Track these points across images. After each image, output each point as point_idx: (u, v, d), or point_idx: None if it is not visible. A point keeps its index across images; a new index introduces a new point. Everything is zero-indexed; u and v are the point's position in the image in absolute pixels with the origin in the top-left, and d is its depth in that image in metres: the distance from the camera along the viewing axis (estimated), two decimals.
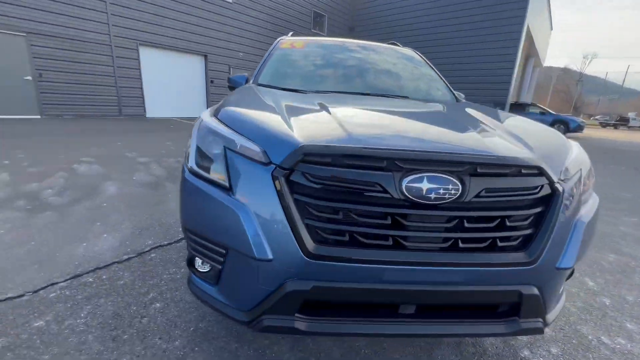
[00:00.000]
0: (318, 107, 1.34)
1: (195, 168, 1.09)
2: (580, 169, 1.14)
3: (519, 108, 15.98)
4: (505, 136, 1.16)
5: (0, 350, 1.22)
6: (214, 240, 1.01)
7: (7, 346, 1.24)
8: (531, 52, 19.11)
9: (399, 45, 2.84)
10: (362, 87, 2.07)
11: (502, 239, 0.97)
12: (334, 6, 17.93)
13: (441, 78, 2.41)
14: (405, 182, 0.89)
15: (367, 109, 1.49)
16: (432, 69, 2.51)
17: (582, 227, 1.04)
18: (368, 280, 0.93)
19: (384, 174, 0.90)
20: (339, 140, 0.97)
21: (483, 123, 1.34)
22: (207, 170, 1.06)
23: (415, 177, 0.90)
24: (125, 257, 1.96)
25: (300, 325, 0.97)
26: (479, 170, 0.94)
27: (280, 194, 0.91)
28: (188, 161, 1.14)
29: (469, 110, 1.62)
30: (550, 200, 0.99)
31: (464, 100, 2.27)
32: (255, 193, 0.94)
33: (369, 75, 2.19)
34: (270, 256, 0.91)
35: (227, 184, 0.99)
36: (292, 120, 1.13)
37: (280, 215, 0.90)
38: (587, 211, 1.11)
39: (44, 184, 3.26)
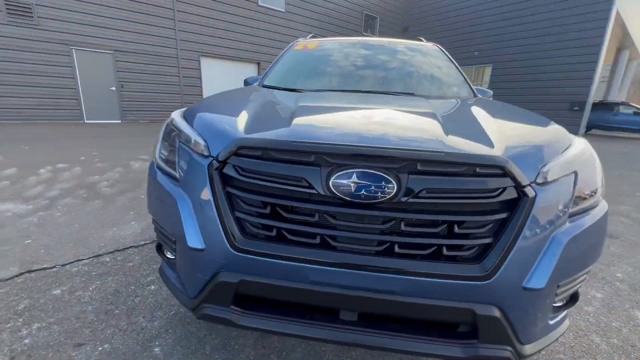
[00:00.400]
0: (291, 105, 1.32)
1: (158, 160, 1.18)
2: (575, 172, 0.94)
3: (604, 108, 13.67)
4: (478, 133, 1.00)
5: (21, 309, 1.47)
6: (166, 228, 1.08)
7: (27, 307, 1.49)
8: (625, 43, 16.15)
9: (422, 41, 2.67)
10: (364, 85, 1.99)
11: (450, 247, 0.85)
12: (386, 7, 17.58)
13: (461, 73, 2.20)
14: (332, 179, 0.84)
15: (344, 107, 1.41)
16: (453, 63, 2.30)
17: (562, 241, 0.85)
18: (296, 279, 0.89)
19: (311, 169, 0.86)
20: (277, 134, 0.95)
21: (470, 120, 1.18)
22: (166, 162, 1.13)
23: (343, 173, 0.84)
24: (142, 242, 2.19)
25: (235, 317, 0.97)
26: (419, 168, 0.84)
27: (212, 186, 0.93)
28: (155, 154, 1.24)
29: (471, 108, 1.43)
30: (516, 206, 0.84)
31: (482, 97, 2.03)
32: (194, 184, 0.98)
33: (375, 73, 2.10)
34: (202, 246, 0.94)
35: (176, 175, 1.05)
36: (251, 117, 1.13)
37: (212, 206, 0.92)
38: (579, 223, 0.91)
39: (103, 177, 3.81)
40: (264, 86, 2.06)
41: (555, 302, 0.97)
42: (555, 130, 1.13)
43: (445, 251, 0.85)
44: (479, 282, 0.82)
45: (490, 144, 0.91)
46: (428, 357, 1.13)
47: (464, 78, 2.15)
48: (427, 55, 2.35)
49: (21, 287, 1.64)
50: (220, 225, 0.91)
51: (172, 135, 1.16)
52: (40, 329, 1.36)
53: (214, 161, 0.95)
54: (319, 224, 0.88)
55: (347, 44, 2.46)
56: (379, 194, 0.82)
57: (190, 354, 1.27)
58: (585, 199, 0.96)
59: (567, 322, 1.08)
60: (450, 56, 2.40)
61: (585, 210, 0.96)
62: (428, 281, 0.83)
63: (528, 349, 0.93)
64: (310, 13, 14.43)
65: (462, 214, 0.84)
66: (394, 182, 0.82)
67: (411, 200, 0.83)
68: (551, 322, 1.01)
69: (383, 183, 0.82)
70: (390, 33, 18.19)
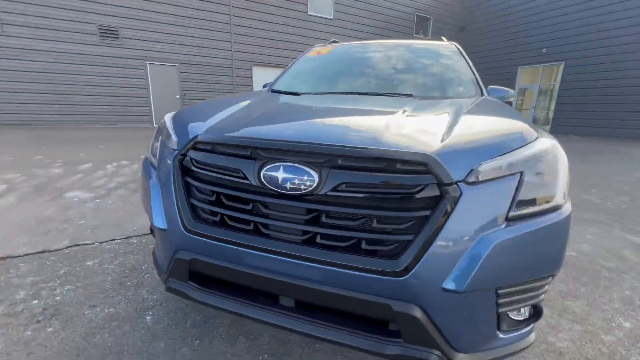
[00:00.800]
0: (267, 107, 1.42)
1: (149, 154, 1.39)
2: (520, 173, 0.87)
3: None
4: (429, 132, 0.99)
5: (62, 274, 1.82)
6: (147, 212, 1.27)
7: (66, 272, 1.83)
8: None
9: (443, 40, 2.58)
10: (363, 87, 2.01)
11: (369, 241, 0.86)
12: (440, 7, 16.82)
13: (472, 72, 2.08)
14: (263, 171, 0.93)
15: (315, 108, 1.46)
16: (466, 63, 2.19)
17: (489, 244, 0.81)
18: (236, 262, 0.99)
19: (247, 162, 0.96)
20: (230, 131, 1.06)
21: (436, 120, 1.15)
22: (153, 156, 1.33)
23: (271, 166, 0.92)
24: None
25: (191, 292, 1.10)
26: (340, 162, 0.87)
27: (174, 175, 1.08)
28: (149, 150, 1.45)
29: (456, 108, 1.37)
30: (438, 204, 0.82)
31: (491, 97, 1.89)
32: (163, 173, 1.15)
33: (377, 75, 2.11)
34: (165, 227, 1.09)
35: (156, 165, 1.24)
36: (223, 118, 1.25)
37: (173, 193, 1.08)
38: (520, 227, 0.84)
39: None
40: (273, 90, 2.21)
41: (499, 311, 0.90)
42: (515, 129, 1.04)
43: (364, 245, 0.86)
44: (395, 278, 0.82)
45: (430, 141, 0.90)
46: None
47: (475, 78, 2.03)
48: (437, 55, 2.27)
49: (66, 256, 2.02)
50: (177, 209, 1.05)
51: (159, 134, 1.35)
52: (70, 290, 1.67)
53: (178, 154, 1.10)
54: (253, 212, 0.97)
55: (357, 47, 2.50)
56: (302, 186, 0.88)
57: (173, 325, 1.45)
58: (533, 202, 0.88)
59: (530, 338, 0.99)
60: (465, 55, 2.28)
61: (534, 215, 0.88)
62: (347, 273, 0.86)
63: (464, 358, 0.89)
64: (359, 19, 14.50)
65: (381, 209, 0.85)
66: (315, 175, 0.88)
67: (331, 193, 0.87)
68: (503, 335, 0.95)
69: (305, 176, 0.88)
70: (445, 34, 17.33)
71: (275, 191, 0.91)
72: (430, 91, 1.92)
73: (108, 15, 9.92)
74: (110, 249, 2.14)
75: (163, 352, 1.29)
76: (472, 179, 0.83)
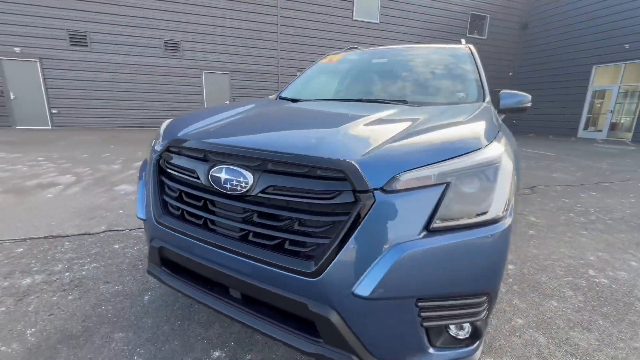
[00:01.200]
0: (245, 115, 1.53)
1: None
2: (447, 183, 0.84)
3: None
4: (370, 139, 1.00)
5: (92, 254, 2.16)
6: None
7: (96, 253, 2.17)
8: None
9: (461, 44, 2.47)
10: (360, 94, 2.04)
11: (292, 242, 0.92)
12: (498, 3, 15.60)
13: (480, 77, 1.96)
14: (211, 172, 1.04)
15: (287, 115, 1.53)
16: (476, 67, 2.07)
17: (398, 253, 0.80)
18: (191, 252, 1.12)
19: (201, 163, 1.08)
20: (194, 137, 1.20)
21: (393, 127, 1.15)
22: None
23: (217, 168, 1.02)
24: None
25: (163, 277, 1.26)
26: (269, 166, 0.94)
27: (153, 173, 1.25)
28: None
29: (433, 115, 1.34)
30: (351, 210, 0.84)
31: (486, 104, 1.77)
32: (147, 172, 1.33)
33: (377, 82, 2.11)
34: (144, 217, 1.27)
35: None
36: (201, 124, 1.38)
37: (150, 188, 1.25)
38: (440, 239, 0.82)
39: None
40: (280, 98, 2.34)
41: (425, 325, 0.88)
42: (457, 139, 1.00)
43: (287, 245, 0.92)
44: (309, 279, 0.86)
45: (359, 149, 0.92)
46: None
47: (480, 83, 1.92)
48: (446, 60, 2.19)
49: (100, 239, 2.38)
50: (152, 203, 1.22)
51: (156, 136, 1.56)
52: (94, 267, 1.98)
53: (157, 155, 1.27)
54: (203, 209, 1.08)
55: (367, 53, 2.52)
56: (239, 187, 0.97)
57: (163, 305, 1.64)
58: (461, 214, 0.85)
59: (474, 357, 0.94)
60: (476, 59, 2.15)
61: (462, 228, 0.84)
62: (272, 270, 0.93)
63: None
64: (406, 21, 14.16)
65: (302, 212, 0.90)
66: (250, 178, 0.96)
67: (261, 195, 0.95)
68: (435, 351, 0.92)
69: (242, 178, 0.97)
70: (505, 32, 16.03)
71: (220, 191, 1.02)
72: (428, 97, 1.87)
73: (172, 30, 11.20)
74: (135, 236, 2.46)
75: (148, 328, 1.47)
76: (390, 187, 0.84)
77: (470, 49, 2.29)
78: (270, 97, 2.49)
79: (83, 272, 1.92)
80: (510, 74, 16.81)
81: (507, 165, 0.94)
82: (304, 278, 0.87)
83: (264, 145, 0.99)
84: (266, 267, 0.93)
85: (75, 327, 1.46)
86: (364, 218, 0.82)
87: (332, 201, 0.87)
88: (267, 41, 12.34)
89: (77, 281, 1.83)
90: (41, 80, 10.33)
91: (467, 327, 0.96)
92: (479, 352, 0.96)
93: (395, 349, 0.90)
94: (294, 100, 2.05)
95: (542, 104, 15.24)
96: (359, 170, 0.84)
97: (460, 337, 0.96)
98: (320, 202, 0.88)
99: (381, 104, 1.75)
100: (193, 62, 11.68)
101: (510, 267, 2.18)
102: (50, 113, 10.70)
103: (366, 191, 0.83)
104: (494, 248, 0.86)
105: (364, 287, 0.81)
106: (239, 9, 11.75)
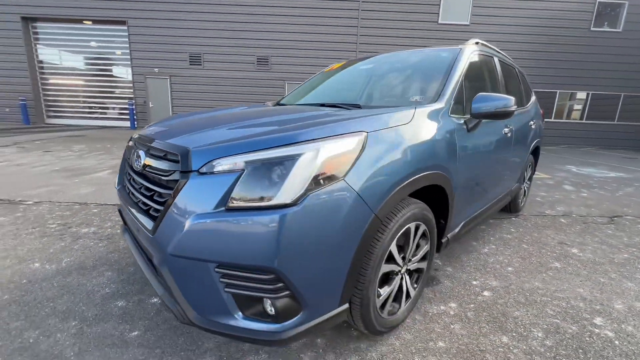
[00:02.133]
0: (206, 115, 1.89)
1: None
2: (243, 170, 1.00)
3: None
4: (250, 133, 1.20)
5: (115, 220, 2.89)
6: None
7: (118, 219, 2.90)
8: None
9: (477, 45, 2.28)
10: (325, 99, 2.16)
11: (153, 209, 1.21)
12: None
13: (446, 81, 1.84)
14: (134, 155, 1.42)
15: (228, 115, 1.79)
16: (450, 70, 1.93)
17: (192, 222, 1.00)
18: (127, 216, 1.52)
19: (134, 149, 1.48)
20: (145, 131, 1.61)
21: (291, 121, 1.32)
22: None
23: (135, 152, 1.40)
24: None
25: (126, 235, 1.72)
26: (150, 151, 1.26)
27: (123, 158, 1.73)
28: None
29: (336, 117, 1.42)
30: (175, 186, 1.09)
31: (416, 107, 1.65)
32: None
33: (347, 88, 2.20)
34: (117, 187, 1.76)
35: None
36: (163, 121, 1.83)
37: (120, 167, 1.73)
38: (229, 215, 0.98)
39: None
40: (278, 104, 2.65)
41: (228, 290, 1.03)
42: (279, 133, 1.12)
43: (151, 211, 1.22)
44: (150, 235, 1.14)
45: (204, 140, 1.15)
46: None
47: (443, 86, 1.80)
48: (422, 64, 2.10)
49: None
50: (118, 177, 1.70)
51: None
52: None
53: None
54: (130, 182, 1.48)
55: (362, 61, 2.59)
56: (138, 166, 1.33)
57: None
58: (251, 198, 0.98)
59: (282, 335, 1.04)
60: (459, 61, 1.99)
61: (251, 210, 0.97)
62: (142, 227, 1.23)
63: (196, 316, 1.08)
64: (502, 19, 12.57)
65: (156, 185, 1.19)
66: (143, 159, 1.30)
67: (144, 171, 1.27)
68: (242, 319, 1.06)
69: (141, 159, 1.32)
70: None
71: (134, 168, 1.40)
72: (383, 101, 1.88)
73: (263, 47, 12.88)
74: None
75: (131, 271, 1.98)
76: (204, 170, 1.04)
77: (462, 50, 2.12)
78: (267, 103, 2.83)
79: (118, 230, 2.63)
80: None
81: (308, 161, 1.00)
82: (149, 235, 1.15)
83: (155, 135, 1.33)
84: (140, 226, 1.25)
85: (89, 263, 2.08)
86: (179, 192, 1.05)
87: (168, 177, 1.13)
88: (345, 52, 12.86)
89: (111, 236, 2.53)
90: (169, 92, 13.38)
91: (277, 304, 1.04)
92: (288, 332, 1.04)
93: (209, 308, 1.07)
94: (279, 104, 2.32)
95: None
96: (189, 155, 1.08)
97: (271, 313, 1.06)
98: (164, 178, 1.16)
99: (334, 108, 1.86)
100: (278, 74, 13.14)
101: (484, 293, 1.91)
102: None
103: (187, 172, 1.06)
104: (274, 230, 0.95)
105: (171, 246, 1.04)
106: (320, 23, 12.64)
